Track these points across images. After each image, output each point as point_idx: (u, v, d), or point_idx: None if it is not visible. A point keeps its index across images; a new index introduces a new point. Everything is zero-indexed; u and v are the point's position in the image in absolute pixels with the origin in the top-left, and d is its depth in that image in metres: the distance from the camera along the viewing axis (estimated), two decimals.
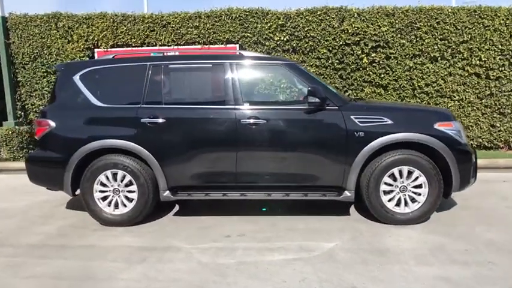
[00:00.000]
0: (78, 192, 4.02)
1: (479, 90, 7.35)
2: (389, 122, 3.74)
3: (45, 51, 7.73)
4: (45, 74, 7.78)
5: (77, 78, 4.01)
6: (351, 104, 3.98)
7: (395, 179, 3.80)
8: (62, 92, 4.04)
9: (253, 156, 3.83)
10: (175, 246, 3.44)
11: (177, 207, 4.51)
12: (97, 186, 3.91)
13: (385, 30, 7.16)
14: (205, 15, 7.41)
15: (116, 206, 3.94)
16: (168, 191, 3.92)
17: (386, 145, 3.73)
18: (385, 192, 3.82)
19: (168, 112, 3.85)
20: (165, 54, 4.45)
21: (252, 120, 3.76)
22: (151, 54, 7.41)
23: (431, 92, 7.35)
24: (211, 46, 7.48)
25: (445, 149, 3.72)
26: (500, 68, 7.24)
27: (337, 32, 7.23)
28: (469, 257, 3.12)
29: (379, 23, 7.17)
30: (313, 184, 3.90)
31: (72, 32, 7.64)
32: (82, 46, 7.64)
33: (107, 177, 3.89)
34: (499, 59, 7.22)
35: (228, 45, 7.47)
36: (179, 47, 7.53)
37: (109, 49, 7.62)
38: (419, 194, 3.81)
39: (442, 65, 7.29)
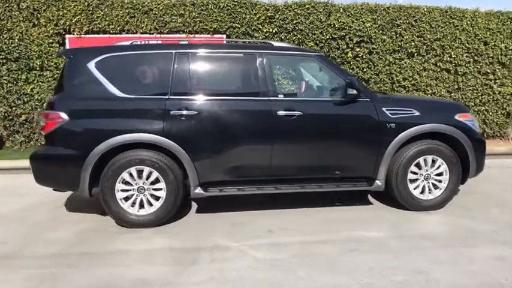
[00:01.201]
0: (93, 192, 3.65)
1: (448, 85, 7.95)
2: (417, 113, 3.90)
3: (4, 35, 6.84)
4: (5, 61, 6.88)
5: (91, 65, 3.60)
6: (380, 96, 4.07)
7: (420, 168, 3.98)
8: (73, 81, 3.60)
9: (288, 149, 3.76)
10: (221, 244, 3.27)
11: (194, 205, 4.29)
12: (119, 185, 3.57)
13: (369, 26, 7.42)
14: (190, 3, 7.08)
15: (141, 206, 3.64)
16: (199, 188, 3.70)
17: (414, 136, 3.89)
18: (411, 181, 3.98)
19: (201, 104, 3.62)
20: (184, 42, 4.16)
21: (288, 112, 3.68)
22: (133, 43, 6.96)
23: (408, 86, 7.80)
24: (196, 36, 7.18)
25: (465, 138, 3.96)
26: (467, 65, 7.90)
27: (324, 26, 7.34)
28: (501, 237, 3.38)
29: (363, 19, 7.42)
30: (345, 175, 3.94)
31: (38, 15, 6.83)
32: (51, 31, 6.88)
33: (131, 175, 3.57)
34: (466, 56, 7.86)
35: (215, 36, 7.23)
36: (162, 35, 7.12)
37: (83, 35, 6.97)
38: (441, 181, 4.03)
39: (418, 61, 7.75)
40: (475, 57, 7.89)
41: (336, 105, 3.81)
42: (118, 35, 7.04)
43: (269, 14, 7.20)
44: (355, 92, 3.70)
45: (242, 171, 3.77)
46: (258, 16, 7.18)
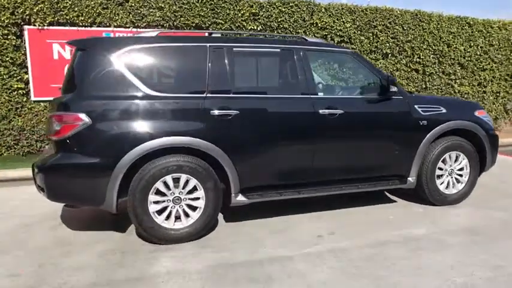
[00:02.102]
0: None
1: (417, 84, 8.42)
2: (444, 110, 3.98)
3: None
4: None
5: (115, 58, 3.07)
6: (409, 94, 4.08)
7: (445, 163, 4.07)
8: (93, 77, 3.03)
9: (330, 149, 3.59)
10: (278, 256, 2.98)
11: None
12: (152, 197, 3.10)
13: (349, 27, 7.56)
14: None
15: (175, 218, 3.20)
16: (240, 194, 3.36)
17: (443, 132, 3.96)
18: (438, 176, 4.06)
19: (242, 102, 3.29)
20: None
21: (330, 111, 3.51)
22: (103, 35, 6.26)
23: None
24: (177, 32, 6.66)
25: (483, 133, 4.14)
26: (433, 66, 8.43)
27: (308, 25, 7.30)
28: None
29: (344, 19, 7.53)
30: (380, 174, 3.89)
31: None
32: (6, 21, 5.88)
33: (166, 184, 3.12)
34: (432, 57, 8.40)
35: (196, 31, 6.78)
36: (139, 29, 6.50)
37: (46, 27, 6.08)
38: (462, 176, 4.17)
39: (391, 61, 8.09)
40: (440, 59, 8.45)
41: (374, 102, 3.74)
42: (88, 28, 6.28)
43: (253, 11, 6.96)
44: (395, 89, 3.65)
45: (283, 174, 3.51)
46: (242, 12, 6.90)
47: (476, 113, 4.16)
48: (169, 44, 3.27)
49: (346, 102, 3.64)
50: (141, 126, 3.03)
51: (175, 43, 3.30)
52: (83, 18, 6.18)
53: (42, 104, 6.22)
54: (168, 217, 3.17)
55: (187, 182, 3.17)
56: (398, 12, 7.92)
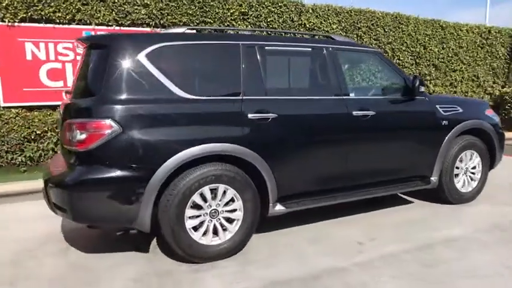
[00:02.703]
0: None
1: None
2: (461, 110, 4.02)
3: None
4: None
5: (142, 57, 2.72)
6: (429, 94, 4.08)
7: (461, 162, 4.12)
8: (119, 78, 2.65)
9: (362, 152, 3.47)
10: (331, 267, 2.79)
11: None
12: (189, 211, 2.78)
13: (335, 28, 7.56)
14: None
15: (211, 233, 2.91)
16: (278, 203, 3.14)
17: (461, 132, 4.00)
18: (455, 175, 4.10)
19: (279, 105, 3.06)
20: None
21: (363, 112, 3.39)
22: (83, 34, 5.71)
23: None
24: (163, 31, 6.26)
25: (493, 131, 4.24)
26: (411, 67, 8.70)
27: (296, 26, 7.20)
28: None
29: (330, 20, 7.52)
30: (407, 175, 3.84)
31: None
32: None
33: (203, 197, 2.82)
34: (410, 58, 8.66)
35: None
36: (122, 28, 6.01)
37: (17, 24, 5.41)
38: (474, 173, 4.25)
39: None
40: (417, 60, 8.74)
41: (402, 103, 3.68)
42: (66, 26, 5.69)
43: (243, 10, 6.72)
44: (423, 89, 3.62)
45: (319, 180, 3.33)
46: (231, 12, 6.64)
47: (486, 112, 4.26)
48: (200, 41, 2.97)
49: (376, 103, 3.54)
50: (176, 133, 2.71)
51: (207, 41, 3.01)
52: (60, 15, 5.58)
53: (13, 110, 5.54)
54: (205, 233, 2.87)
55: (225, 192, 2.89)
56: (380, 14, 8.07)
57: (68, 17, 5.64)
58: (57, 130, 5.65)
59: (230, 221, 2.96)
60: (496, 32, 9.75)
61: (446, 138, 3.88)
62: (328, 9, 7.51)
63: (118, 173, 2.56)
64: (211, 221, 2.88)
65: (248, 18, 6.81)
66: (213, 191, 2.85)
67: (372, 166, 3.58)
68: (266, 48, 3.15)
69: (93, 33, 5.84)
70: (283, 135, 3.07)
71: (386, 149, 3.61)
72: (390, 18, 8.19)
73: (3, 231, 3.61)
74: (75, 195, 2.52)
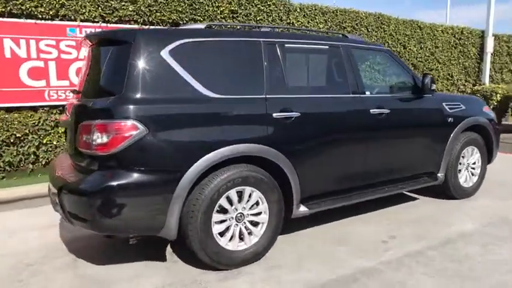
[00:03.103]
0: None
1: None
2: (464, 107, 4.12)
3: None
4: None
5: (166, 54, 2.55)
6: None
7: (464, 158, 4.23)
8: (141, 76, 2.46)
9: (379, 150, 3.47)
10: (362, 267, 2.76)
11: None
12: (216, 216, 2.65)
13: (322, 27, 7.59)
14: None
15: (237, 238, 2.78)
16: (301, 205, 3.06)
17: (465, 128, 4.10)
18: (458, 171, 4.20)
19: (302, 104, 2.99)
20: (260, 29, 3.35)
21: (379, 110, 3.39)
22: (67, 30, 5.37)
23: None
24: (151, 28, 6.01)
25: (491, 127, 4.39)
26: None
27: (285, 25, 7.15)
28: None
29: (317, 20, 7.54)
30: (417, 172, 3.88)
31: None
32: None
33: (229, 200, 2.70)
34: None
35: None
36: (109, 25, 5.70)
37: None
38: (474, 169, 4.38)
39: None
40: None
41: (412, 101, 3.72)
42: (49, 22, 5.32)
43: (232, 8, 6.59)
44: (434, 86, 3.67)
45: (339, 179, 3.29)
46: (221, 9, 6.49)
47: (484, 109, 4.40)
48: (223, 38, 2.84)
49: (390, 101, 3.55)
50: (204, 133, 2.57)
51: (230, 37, 2.87)
52: (43, 10, 5.21)
53: None
54: (230, 238, 2.74)
55: (251, 194, 2.78)
56: (363, 14, 8.20)
57: (51, 13, 5.28)
58: (45, 132, 5.30)
59: (255, 224, 2.85)
60: (468, 33, 10.20)
61: (452, 134, 3.97)
62: (315, 9, 7.53)
63: (144, 177, 2.39)
64: (237, 225, 2.76)
65: (238, 17, 6.69)
66: (239, 194, 2.74)
67: (387, 164, 3.58)
68: (286, 45, 3.06)
69: (77, 29, 5.51)
70: (306, 134, 3.00)
71: (399, 146, 3.63)
72: (373, 18, 8.35)
73: None
74: (98, 203, 2.31)
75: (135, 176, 2.37)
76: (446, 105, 3.94)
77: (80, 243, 3.27)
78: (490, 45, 10.22)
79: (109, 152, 2.34)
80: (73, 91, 3.01)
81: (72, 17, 5.45)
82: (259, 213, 2.85)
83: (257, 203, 2.83)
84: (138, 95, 2.44)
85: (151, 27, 5.99)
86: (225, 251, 2.69)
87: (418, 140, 3.76)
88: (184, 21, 6.24)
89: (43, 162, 5.43)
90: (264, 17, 6.94)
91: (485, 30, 10.35)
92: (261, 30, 3.18)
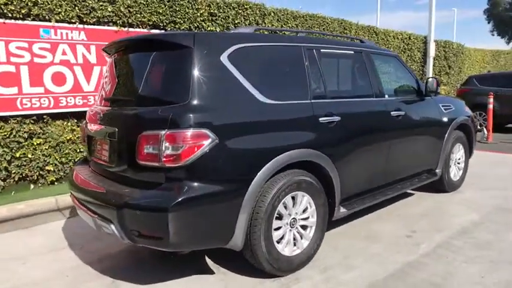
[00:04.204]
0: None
1: None
2: (453, 108, 4.54)
3: None
4: None
5: (225, 59, 2.47)
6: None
7: (453, 154, 4.65)
8: (207, 82, 2.36)
9: (397, 150, 3.68)
10: (410, 262, 2.92)
11: None
12: (275, 223, 2.63)
13: None
14: None
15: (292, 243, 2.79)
16: (341, 206, 3.15)
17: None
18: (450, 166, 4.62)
19: (340, 107, 3.08)
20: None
21: (398, 112, 3.62)
22: (40, 31, 4.87)
23: None
24: (130, 30, 5.70)
25: (472, 125, 4.88)
26: None
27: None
28: None
29: (290, 24, 7.71)
30: (422, 170, 4.19)
31: None
32: None
33: (285, 206, 2.70)
34: None
35: (152, 31, 5.92)
36: (85, 26, 5.28)
37: None
38: (459, 163, 4.84)
39: None
40: None
41: (418, 102, 4.01)
42: (20, 21, 4.79)
43: (211, 11, 6.49)
44: (439, 89, 3.99)
45: (369, 179, 3.45)
46: (200, 12, 6.35)
47: (465, 109, 4.89)
48: (272, 43, 2.83)
49: (403, 103, 3.79)
50: (265, 140, 2.55)
51: (278, 43, 2.87)
52: (13, 8, 4.66)
53: None
54: (287, 244, 2.74)
55: (302, 199, 2.80)
56: (329, 20, 8.57)
57: (23, 11, 4.75)
58: (18, 145, 4.75)
59: (305, 228, 2.88)
60: (414, 38, 11.16)
61: (447, 133, 4.35)
62: (287, 13, 7.71)
63: (216, 188, 2.30)
64: (290, 230, 2.77)
65: (217, 20, 6.60)
66: (293, 199, 2.75)
67: (402, 162, 3.83)
68: (322, 50, 3.13)
69: (52, 30, 5.03)
70: (345, 137, 3.10)
71: (411, 146, 3.89)
72: (337, 23, 8.76)
73: (5, 274, 2.91)
74: (175, 219, 2.16)
75: (208, 188, 2.27)
76: (442, 106, 4.31)
77: (109, 263, 3.02)
78: (432, 49, 11.28)
79: (180, 163, 2.21)
80: (106, 99, 2.77)
81: (47, 17, 4.96)
82: (308, 217, 2.88)
83: (306, 207, 2.86)
84: (205, 103, 2.33)
85: (131, 29, 5.69)
86: (283, 257, 2.69)
87: (423, 138, 4.07)
88: (165, 24, 6.01)
89: (16, 178, 4.88)
90: (241, 21, 6.93)
91: (428, 36, 11.42)
92: (298, 35, 3.21)
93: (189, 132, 2.22)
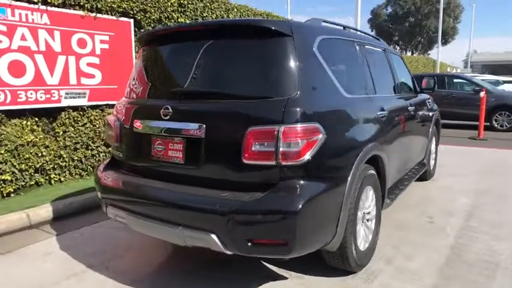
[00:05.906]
0: None
1: None
2: (433, 104, 5.03)
3: None
4: None
5: (316, 49, 2.35)
6: None
7: (431, 145, 5.15)
8: (310, 74, 2.24)
9: (412, 143, 3.95)
10: (455, 245, 3.16)
11: None
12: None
13: None
14: None
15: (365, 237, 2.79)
16: (386, 198, 3.24)
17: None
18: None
19: (385, 102, 3.20)
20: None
21: (412, 107, 3.88)
22: None
23: None
24: (98, 16, 4.99)
25: (440, 119, 5.47)
26: None
27: None
28: None
29: None
30: (418, 161, 4.54)
31: None
32: None
33: (362, 200, 2.68)
34: None
35: (121, 19, 5.28)
36: (49, 8, 4.46)
37: None
38: (432, 154, 5.39)
39: None
40: None
41: (416, 98, 4.34)
42: None
43: (181, 2, 6.05)
44: (436, 87, 4.37)
45: (399, 171, 3.64)
46: (171, 2, 5.88)
47: (435, 106, 5.46)
48: (347, 38, 2.80)
49: (411, 99, 4.07)
50: (354, 134, 2.54)
51: (351, 38, 2.86)
52: None
53: None
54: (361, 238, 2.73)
55: (370, 193, 2.82)
56: (284, 19, 8.72)
57: None
58: None
59: (369, 221, 2.90)
60: None
61: (431, 127, 4.81)
62: (248, 10, 7.63)
63: (327, 185, 2.18)
64: (362, 224, 2.76)
65: (186, 11, 6.20)
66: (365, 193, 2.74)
67: (414, 154, 4.13)
68: (366, 47, 3.19)
69: (9, 10, 4.13)
70: (390, 131, 3.21)
71: (418, 137, 4.21)
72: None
73: None
74: (304, 220, 1.96)
75: (321, 186, 2.14)
76: (427, 101, 4.75)
77: (154, 281, 2.61)
78: None
79: (298, 161, 2.02)
80: (162, 91, 2.39)
81: None
82: (371, 211, 2.90)
83: (371, 201, 2.89)
84: (310, 96, 2.18)
85: (99, 15, 5.00)
86: (361, 252, 2.67)
87: (423, 131, 4.44)
88: (135, 11, 5.42)
89: None
90: (209, 14, 6.63)
91: None
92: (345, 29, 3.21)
93: (307, 127, 2.05)
